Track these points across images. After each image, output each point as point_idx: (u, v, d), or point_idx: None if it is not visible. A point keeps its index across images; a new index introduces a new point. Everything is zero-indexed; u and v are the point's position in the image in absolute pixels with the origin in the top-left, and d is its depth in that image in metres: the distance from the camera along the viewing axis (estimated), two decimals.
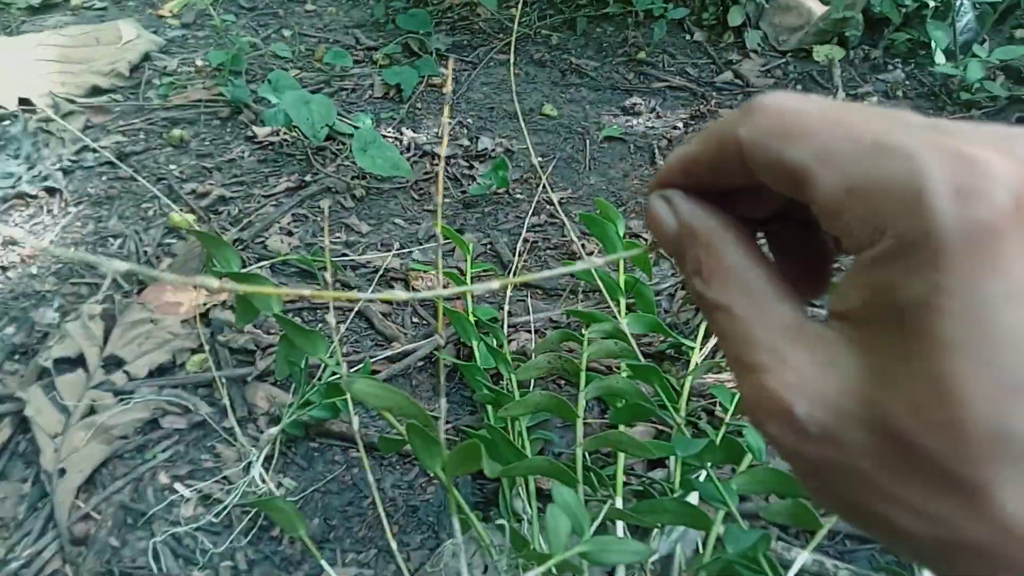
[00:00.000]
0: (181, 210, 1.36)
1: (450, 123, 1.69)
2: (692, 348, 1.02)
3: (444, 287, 1.18)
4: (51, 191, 1.43)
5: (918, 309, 0.17)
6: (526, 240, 1.33)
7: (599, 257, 0.26)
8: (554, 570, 0.74)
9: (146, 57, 1.90)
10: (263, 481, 0.90)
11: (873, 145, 0.19)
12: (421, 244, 1.33)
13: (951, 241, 0.17)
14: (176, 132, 1.60)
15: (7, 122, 1.60)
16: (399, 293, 0.25)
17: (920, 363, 0.17)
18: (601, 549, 0.52)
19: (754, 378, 0.20)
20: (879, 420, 0.18)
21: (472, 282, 1.16)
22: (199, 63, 1.91)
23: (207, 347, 1.07)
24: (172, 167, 1.52)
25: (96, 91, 1.75)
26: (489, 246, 1.33)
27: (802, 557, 0.71)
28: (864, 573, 0.78)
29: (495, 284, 0.25)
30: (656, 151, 1.60)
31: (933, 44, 1.83)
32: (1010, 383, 0.16)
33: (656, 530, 0.80)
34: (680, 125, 1.70)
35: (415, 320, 1.17)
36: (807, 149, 0.20)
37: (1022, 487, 0.17)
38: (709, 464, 0.75)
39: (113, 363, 1.04)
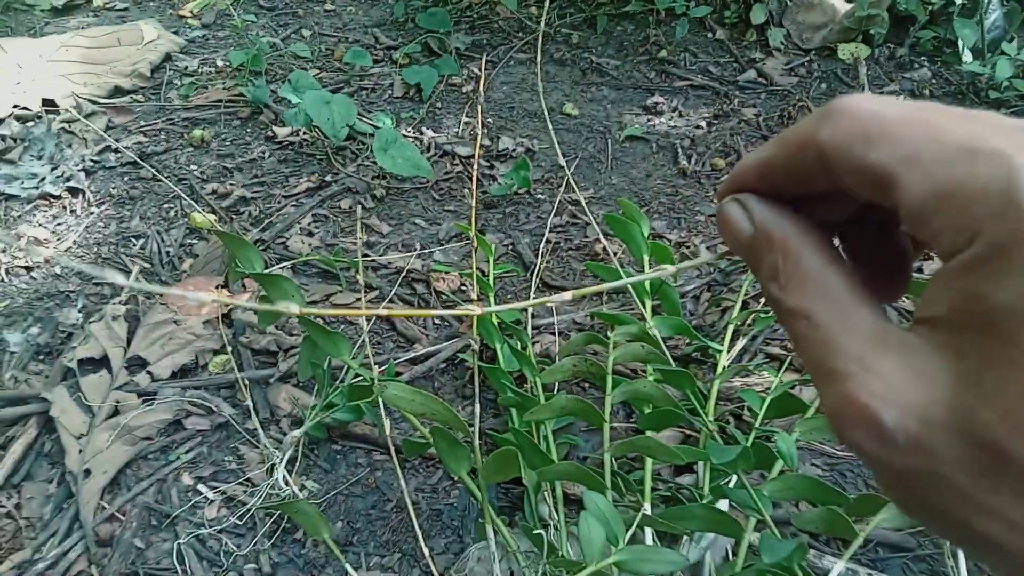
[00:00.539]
0: (202, 210, 1.36)
1: (473, 123, 1.69)
2: (719, 351, 1.01)
3: (493, 303, 1.17)
4: (74, 191, 1.43)
5: (1011, 316, 0.17)
6: (548, 241, 1.32)
7: (670, 265, 0.25)
8: None
9: (167, 58, 1.91)
10: (286, 483, 0.89)
11: (963, 148, 0.18)
12: (442, 244, 1.32)
13: None
14: (197, 132, 1.60)
15: (31, 123, 1.60)
16: (472, 308, 0.24)
17: (1012, 371, 0.17)
18: (636, 558, 0.51)
19: (838, 387, 0.20)
20: (970, 428, 0.18)
21: (494, 283, 1.15)
22: (219, 63, 1.91)
23: (229, 348, 1.07)
24: (193, 167, 1.52)
25: (118, 92, 1.76)
26: (511, 247, 1.32)
27: (838, 567, 0.69)
28: None
29: (568, 295, 0.24)
30: (679, 151, 1.59)
31: (960, 42, 1.80)
32: None
33: (685, 537, 0.79)
34: (703, 124, 1.68)
35: (436, 322, 1.16)
36: (893, 152, 0.19)
37: None
38: (740, 470, 0.73)
39: (137, 364, 1.04)
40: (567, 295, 0.25)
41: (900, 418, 0.19)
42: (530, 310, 1.07)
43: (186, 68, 1.89)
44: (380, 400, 0.86)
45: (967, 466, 0.18)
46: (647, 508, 0.78)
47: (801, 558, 0.61)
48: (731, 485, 0.79)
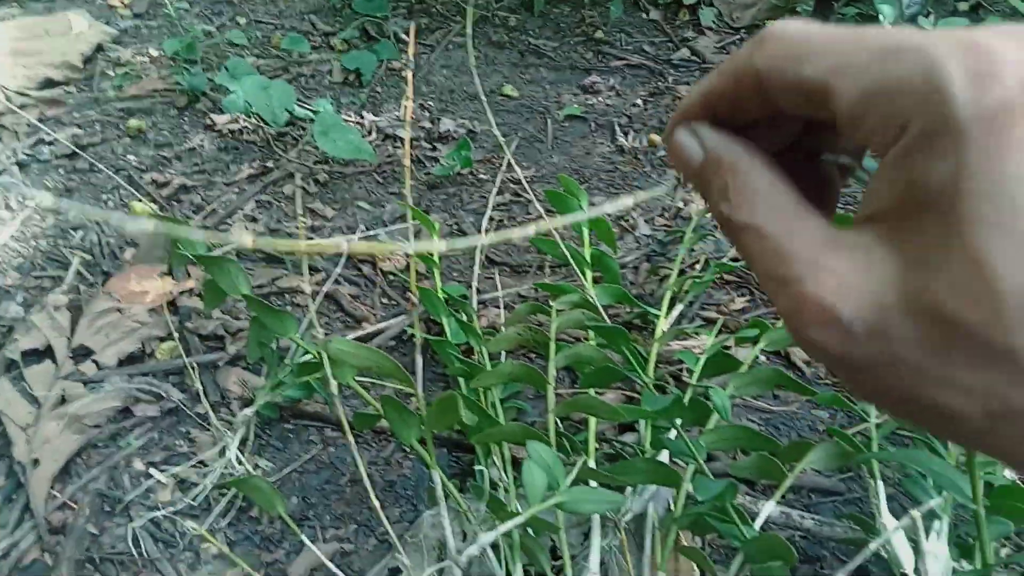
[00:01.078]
0: (143, 199, 1.35)
1: (412, 102, 1.69)
2: (658, 316, 1.05)
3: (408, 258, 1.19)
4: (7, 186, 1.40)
5: (946, 193, 0.18)
6: (492, 219, 1.35)
7: (630, 197, 0.27)
8: (531, 531, 0.76)
9: (99, 48, 1.87)
10: (239, 463, 0.90)
11: (887, 49, 0.20)
12: (387, 226, 1.33)
13: (970, 124, 0.18)
14: (133, 123, 1.58)
15: None
16: (436, 243, 0.26)
17: (955, 245, 0.18)
18: (576, 499, 0.54)
19: (793, 289, 0.21)
20: (923, 306, 0.19)
21: (440, 261, 1.17)
22: (153, 53, 1.88)
23: (176, 334, 1.07)
24: (131, 158, 1.50)
25: (49, 83, 1.72)
26: (455, 226, 1.34)
27: (768, 506, 0.74)
28: (828, 521, 0.81)
29: (531, 229, 0.26)
30: (616, 128, 1.62)
31: (881, 17, 1.88)
32: None
33: (629, 490, 0.83)
34: (639, 102, 1.72)
35: (384, 301, 1.18)
36: (823, 64, 0.21)
37: None
38: (678, 423, 0.77)
39: (82, 353, 1.04)
40: (530, 228, 0.27)
41: (856, 309, 0.20)
42: (475, 285, 1.10)
43: (119, 58, 1.85)
44: (330, 377, 0.88)
45: (922, 343, 0.19)
46: (591, 464, 0.81)
47: (732, 497, 0.65)
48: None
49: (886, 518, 0.70)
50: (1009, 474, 0.72)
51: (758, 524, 0.72)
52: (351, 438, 0.67)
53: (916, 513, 0.62)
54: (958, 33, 0.19)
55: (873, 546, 0.62)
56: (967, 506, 0.61)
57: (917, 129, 0.19)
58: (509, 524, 0.53)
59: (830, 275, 0.20)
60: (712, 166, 0.24)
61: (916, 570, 0.66)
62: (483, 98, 0.86)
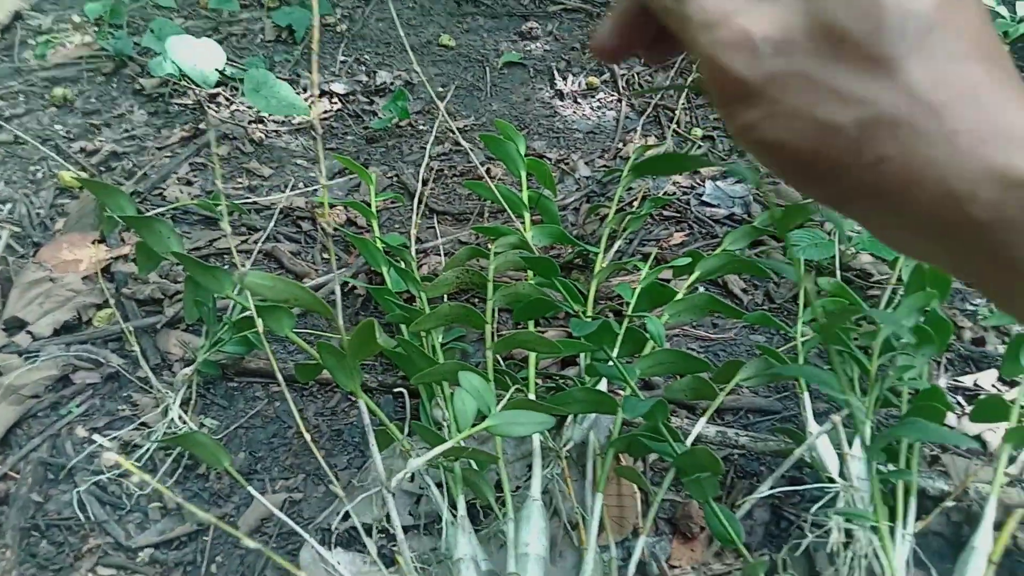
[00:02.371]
0: (72, 168, 1.31)
1: (349, 60, 1.66)
2: (596, 253, 1.06)
3: (335, 221, 1.18)
4: None
5: None
6: (431, 168, 1.34)
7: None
8: (475, 465, 0.78)
9: (17, 16, 1.80)
10: (183, 422, 0.90)
11: None
12: (326, 181, 1.32)
13: None
14: (59, 91, 1.53)
15: None
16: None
17: None
18: (507, 422, 0.55)
19: (714, 31, 0.25)
20: (821, 22, 0.23)
21: (378, 212, 1.17)
22: (76, 19, 1.81)
23: (112, 301, 1.05)
24: (58, 127, 1.46)
25: None
26: (395, 178, 1.33)
27: (700, 424, 0.76)
28: (763, 437, 0.84)
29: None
30: (555, 73, 1.61)
31: None
32: None
33: (570, 419, 0.84)
34: (577, 46, 1.71)
35: (325, 256, 1.17)
36: None
37: (923, 60, 0.22)
38: (613, 351, 0.78)
39: (15, 325, 1.02)
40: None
41: (766, 30, 0.23)
42: (413, 232, 1.09)
43: (40, 26, 1.79)
44: (258, 324, 0.87)
45: (816, 56, 0.23)
46: (531, 397, 0.82)
47: (663, 416, 0.67)
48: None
49: (811, 427, 0.73)
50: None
51: (689, 441, 0.74)
52: (284, 387, 0.67)
53: (836, 418, 0.65)
54: None
55: (797, 452, 0.65)
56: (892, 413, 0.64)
57: None
58: (438, 449, 0.53)
59: (743, 14, 0.24)
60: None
61: (842, 474, 0.68)
62: (409, 53, 0.84)
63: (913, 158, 0.22)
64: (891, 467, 0.72)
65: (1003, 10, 1.62)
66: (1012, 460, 0.78)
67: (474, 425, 0.55)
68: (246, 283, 0.47)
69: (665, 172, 0.42)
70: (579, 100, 1.54)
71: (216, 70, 1.45)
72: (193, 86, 1.49)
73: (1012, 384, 0.94)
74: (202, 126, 1.44)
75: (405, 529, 0.82)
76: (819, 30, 0.23)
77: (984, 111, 0.21)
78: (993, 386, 0.96)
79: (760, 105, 0.24)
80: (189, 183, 1.31)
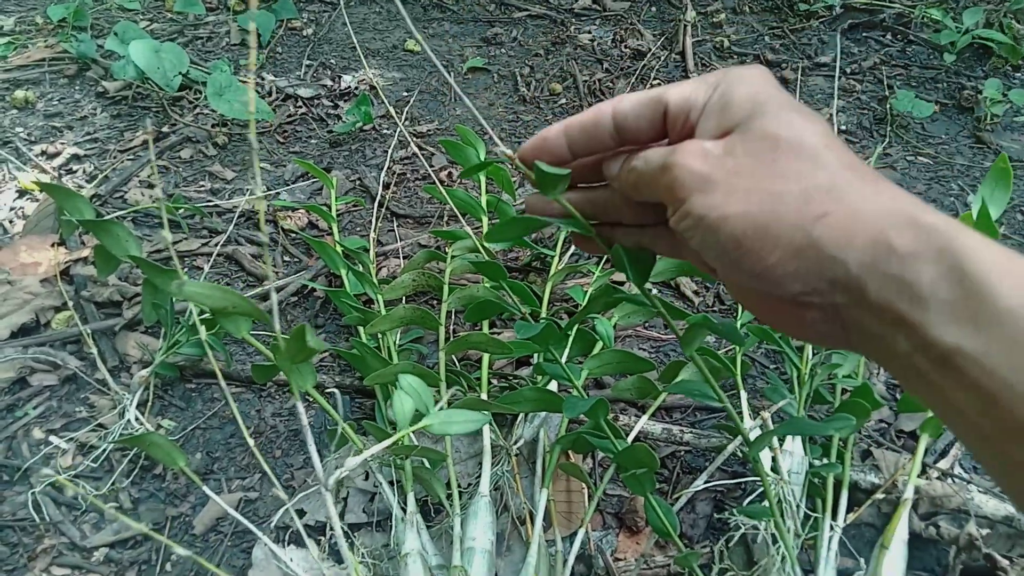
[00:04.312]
0: (31, 171, 1.31)
1: (314, 64, 1.68)
2: (553, 257, 1.08)
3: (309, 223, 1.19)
4: None
5: (752, 98, 0.33)
6: (393, 172, 1.35)
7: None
8: (427, 464, 0.79)
9: None
10: (140, 423, 0.91)
11: (697, 79, 0.37)
12: (288, 185, 1.33)
13: (752, 77, 0.34)
14: (20, 94, 1.53)
15: None
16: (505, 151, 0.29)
17: (767, 115, 0.33)
18: (443, 421, 0.57)
19: (676, 149, 0.34)
20: (755, 133, 0.32)
21: (340, 216, 1.18)
22: (39, 20, 1.80)
23: (71, 304, 1.06)
24: (18, 130, 1.45)
25: None
26: (358, 181, 1.35)
27: (641, 421, 0.78)
28: (706, 434, 0.87)
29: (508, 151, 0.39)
30: (519, 78, 1.64)
31: None
32: (812, 116, 0.33)
33: (520, 418, 0.86)
34: (541, 52, 1.74)
35: (286, 259, 1.18)
36: (656, 91, 0.37)
37: (837, 151, 0.31)
38: (564, 351, 0.81)
39: None
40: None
41: (715, 143, 0.33)
42: (372, 235, 1.11)
43: (1, 27, 1.78)
44: (199, 325, 0.89)
45: (757, 153, 0.32)
46: (483, 397, 0.85)
47: (604, 414, 0.69)
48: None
49: (747, 423, 0.76)
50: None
51: (631, 437, 0.77)
52: (224, 387, 0.69)
53: (765, 414, 0.68)
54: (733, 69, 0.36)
55: (729, 448, 0.67)
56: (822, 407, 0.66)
57: (724, 86, 0.34)
58: (376, 447, 0.55)
59: (694, 142, 0.34)
60: (621, 156, 0.39)
61: (774, 468, 0.71)
62: (363, 60, 0.86)
63: (846, 209, 0.29)
64: (824, 461, 0.75)
65: (949, 21, 1.67)
66: (939, 453, 0.82)
67: (412, 424, 0.57)
68: (185, 292, 0.49)
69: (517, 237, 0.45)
70: (541, 105, 1.56)
71: (180, 73, 1.46)
72: (157, 89, 1.49)
73: None
74: (165, 129, 1.44)
75: (358, 526, 0.84)
76: (756, 137, 0.32)
77: (885, 188, 0.30)
78: None
79: (719, 188, 0.32)
80: (151, 186, 1.32)
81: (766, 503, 0.63)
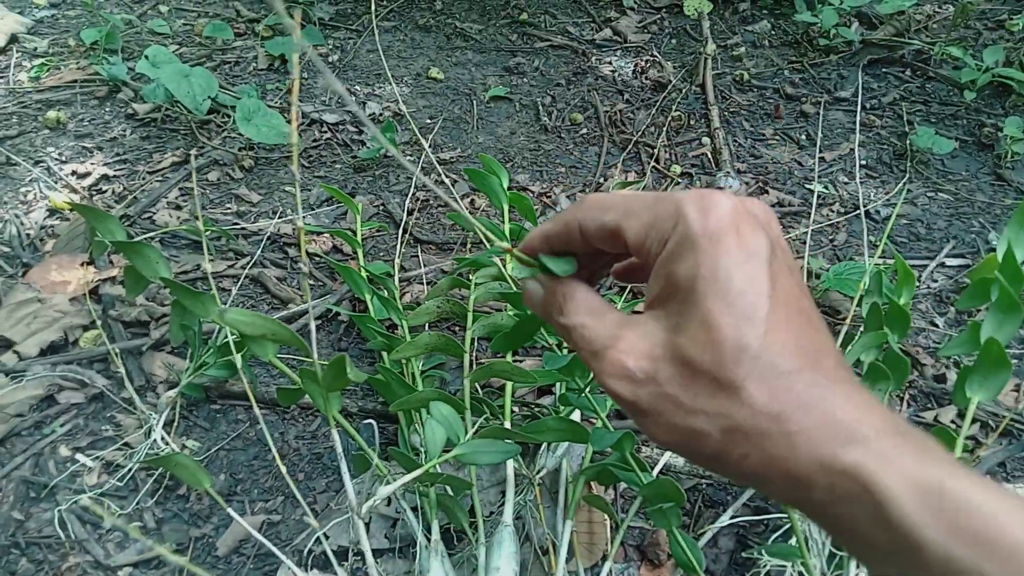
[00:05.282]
0: (62, 191, 1.34)
1: (340, 92, 1.70)
2: None
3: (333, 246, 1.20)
4: None
5: (689, 281, 0.29)
6: (417, 198, 1.37)
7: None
8: (450, 491, 0.80)
9: (13, 39, 1.83)
10: (165, 443, 0.92)
11: (655, 199, 0.32)
12: (313, 209, 1.35)
13: (700, 237, 0.29)
14: (52, 114, 1.56)
15: None
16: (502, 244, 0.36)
17: (694, 313, 0.28)
18: (474, 451, 0.58)
19: (602, 355, 0.31)
20: (677, 354, 0.29)
21: (364, 241, 1.19)
22: (72, 43, 1.84)
23: (99, 322, 1.07)
24: (50, 149, 1.48)
25: None
26: (381, 207, 1.36)
27: (666, 455, 0.79)
28: None
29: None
30: (540, 108, 1.66)
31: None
32: (743, 314, 0.28)
33: (544, 447, 0.87)
34: (563, 82, 1.76)
35: (310, 283, 1.19)
36: (616, 214, 0.32)
37: (758, 381, 0.27)
38: (585, 381, 0.81)
39: (2, 345, 1.03)
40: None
41: (637, 362, 0.30)
42: (397, 261, 1.12)
43: (35, 49, 1.81)
44: (236, 352, 0.90)
45: (678, 382, 0.29)
46: (507, 425, 0.85)
47: (630, 447, 0.70)
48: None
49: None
50: None
51: (656, 471, 0.77)
52: (257, 411, 0.69)
53: None
54: (694, 189, 0.31)
55: None
56: None
57: (672, 244, 0.30)
58: (408, 477, 0.56)
59: (623, 343, 0.31)
60: (550, 295, 0.35)
61: None
62: (393, 85, 0.88)
63: (764, 454, 0.27)
64: None
65: (970, 59, 1.68)
66: None
67: (444, 452, 0.58)
68: (227, 320, 0.50)
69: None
70: (562, 135, 1.58)
71: (208, 98, 1.48)
72: (186, 112, 1.52)
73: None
74: (193, 152, 1.47)
75: (380, 552, 0.84)
76: (676, 361, 0.29)
77: (811, 414, 0.27)
78: (952, 421, 0.99)
79: (648, 416, 0.30)
80: (179, 207, 1.34)
81: (793, 541, 0.63)
